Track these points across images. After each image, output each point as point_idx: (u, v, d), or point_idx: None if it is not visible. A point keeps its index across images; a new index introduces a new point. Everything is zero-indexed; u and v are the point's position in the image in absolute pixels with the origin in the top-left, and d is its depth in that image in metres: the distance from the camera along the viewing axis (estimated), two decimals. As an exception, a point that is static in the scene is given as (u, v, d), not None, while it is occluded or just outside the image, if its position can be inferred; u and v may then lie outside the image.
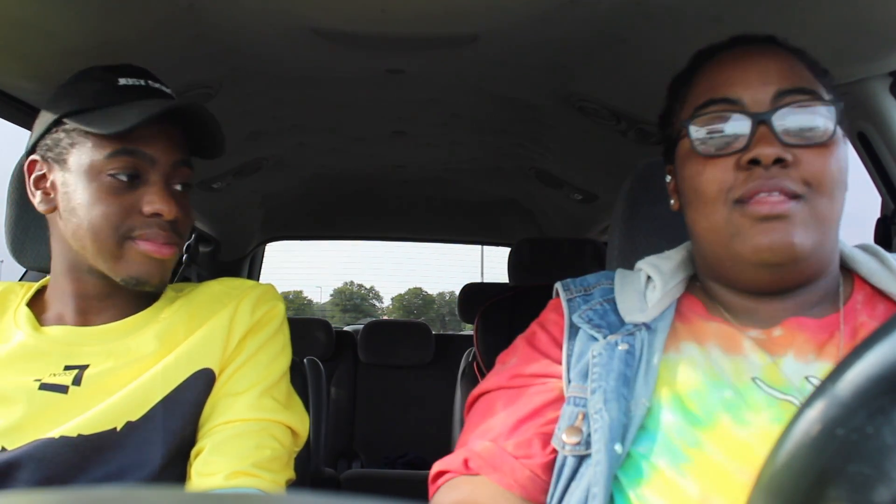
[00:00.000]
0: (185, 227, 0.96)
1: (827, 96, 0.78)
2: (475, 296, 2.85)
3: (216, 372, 0.92)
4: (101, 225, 0.90)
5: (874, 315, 0.78)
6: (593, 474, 0.72)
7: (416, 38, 1.34)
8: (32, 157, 0.97)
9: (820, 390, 0.37)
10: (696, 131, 0.78)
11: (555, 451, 0.79)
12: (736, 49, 0.82)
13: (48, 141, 0.95)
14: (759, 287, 0.80)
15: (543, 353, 0.86)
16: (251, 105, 1.74)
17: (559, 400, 0.82)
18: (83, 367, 0.90)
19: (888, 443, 0.33)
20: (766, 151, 0.73)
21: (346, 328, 3.86)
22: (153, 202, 0.90)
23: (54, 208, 0.95)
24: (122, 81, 0.95)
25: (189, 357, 0.91)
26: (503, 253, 2.70)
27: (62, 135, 0.93)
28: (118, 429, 0.86)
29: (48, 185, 0.95)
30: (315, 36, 1.33)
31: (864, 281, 0.82)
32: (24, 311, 0.96)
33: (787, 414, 0.71)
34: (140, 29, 1.21)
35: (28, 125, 1.39)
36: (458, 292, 3.00)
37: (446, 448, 0.87)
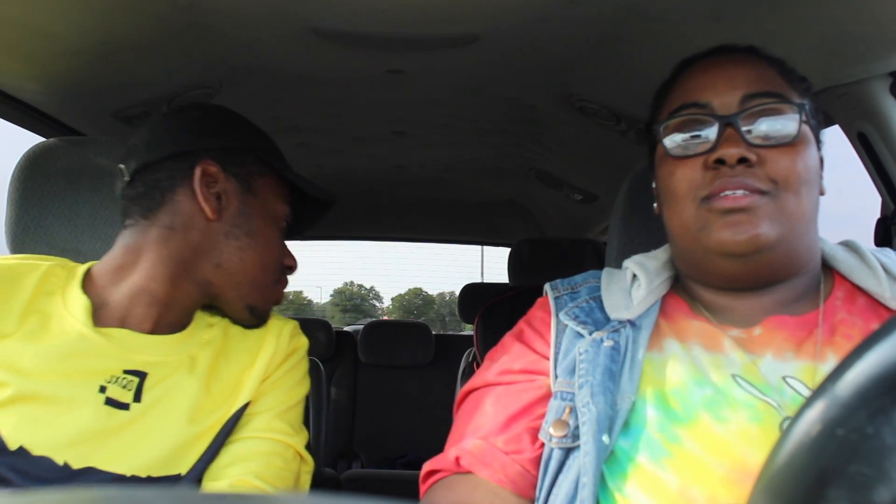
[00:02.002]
0: None
1: (796, 99, 0.80)
2: (475, 296, 2.85)
3: (252, 401, 0.96)
4: (268, 265, 0.99)
5: (853, 311, 0.80)
6: (582, 464, 0.73)
7: (416, 39, 1.34)
8: (210, 160, 0.96)
9: (820, 390, 0.37)
10: (668, 135, 0.82)
11: (543, 446, 0.80)
12: (710, 58, 0.85)
13: (234, 157, 0.98)
14: (732, 281, 0.81)
15: (531, 349, 0.87)
16: (251, 105, 1.74)
17: (547, 397, 0.83)
18: (143, 376, 0.88)
19: (888, 443, 0.33)
20: (731, 152, 0.76)
21: (346, 328, 3.86)
22: (291, 257, 1.04)
23: (214, 218, 0.95)
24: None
25: (237, 390, 0.94)
26: (503, 253, 2.70)
27: (251, 159, 1.01)
28: (183, 474, 0.86)
29: (219, 195, 0.96)
30: (315, 36, 1.33)
31: (844, 278, 0.84)
32: (82, 302, 0.90)
33: (765, 414, 0.73)
34: (140, 29, 1.21)
35: (28, 125, 1.40)
36: (458, 292, 3.00)
37: (446, 448, 0.88)
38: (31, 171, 1.12)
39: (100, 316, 0.91)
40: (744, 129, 0.77)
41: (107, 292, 0.93)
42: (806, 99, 0.82)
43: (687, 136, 0.81)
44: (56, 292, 0.92)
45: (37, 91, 1.30)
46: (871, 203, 1.23)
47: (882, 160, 1.16)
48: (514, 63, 1.49)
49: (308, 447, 0.98)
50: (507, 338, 0.92)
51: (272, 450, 0.92)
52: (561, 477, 0.76)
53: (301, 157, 2.28)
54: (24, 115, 1.35)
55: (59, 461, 0.80)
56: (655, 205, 0.91)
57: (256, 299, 0.98)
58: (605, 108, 1.60)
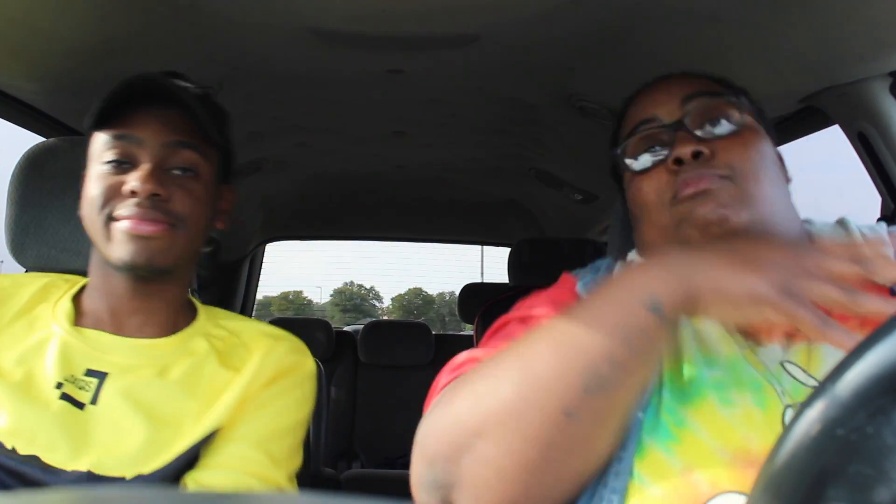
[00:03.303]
0: (183, 208, 0.93)
1: (732, 95, 0.86)
2: (475, 296, 2.85)
3: (225, 426, 0.90)
4: (91, 208, 0.92)
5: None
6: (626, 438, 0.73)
7: (416, 38, 1.34)
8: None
9: (820, 390, 0.37)
10: (629, 156, 0.89)
11: None
12: (651, 82, 0.92)
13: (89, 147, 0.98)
14: None
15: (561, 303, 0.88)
16: (251, 105, 1.74)
17: None
18: (102, 377, 0.89)
19: (888, 443, 0.33)
20: (684, 149, 0.80)
21: (346, 328, 3.86)
22: (130, 181, 0.90)
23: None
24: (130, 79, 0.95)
25: (211, 411, 0.90)
26: (503, 253, 2.70)
27: (89, 138, 0.97)
28: (127, 478, 0.84)
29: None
30: (315, 36, 1.33)
31: None
32: (65, 307, 0.95)
33: (769, 400, 0.73)
34: (140, 29, 1.21)
35: (28, 125, 1.40)
36: (458, 292, 3.00)
37: (446, 448, 0.88)
38: (31, 171, 1.12)
39: (80, 319, 0.95)
40: (692, 125, 0.82)
41: (85, 296, 0.98)
42: (743, 98, 0.87)
43: (645, 152, 0.86)
44: (50, 300, 0.96)
45: (37, 91, 1.30)
46: (871, 203, 1.23)
47: (882, 160, 1.16)
48: (515, 63, 1.49)
49: (307, 449, 0.96)
50: (513, 324, 0.93)
51: (243, 486, 0.87)
52: None
53: (301, 157, 2.28)
54: (24, 115, 1.35)
55: (8, 445, 0.83)
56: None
57: (110, 254, 0.91)
58: (605, 108, 1.60)
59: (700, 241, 0.80)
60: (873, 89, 1.11)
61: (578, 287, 0.91)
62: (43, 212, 1.10)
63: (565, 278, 0.96)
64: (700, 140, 0.81)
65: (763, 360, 0.77)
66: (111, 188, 0.91)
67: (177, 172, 0.93)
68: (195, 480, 0.86)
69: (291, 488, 0.93)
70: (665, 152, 0.83)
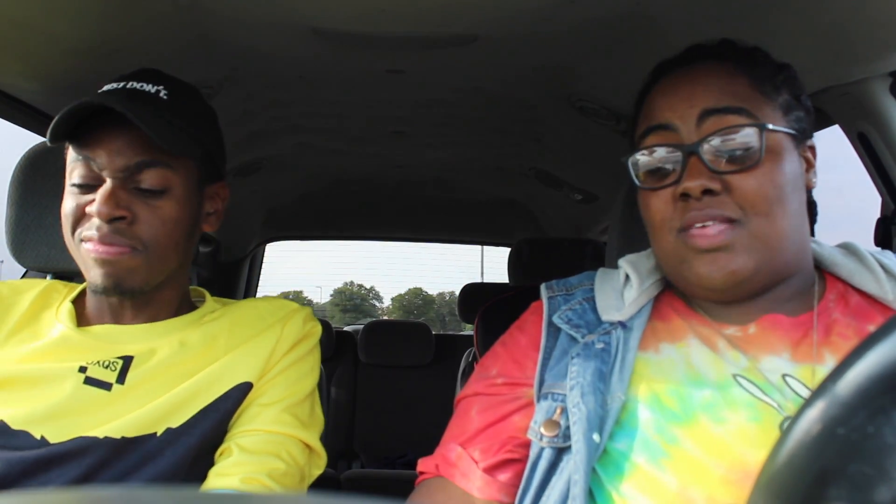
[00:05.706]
0: (149, 230, 0.91)
1: (765, 108, 0.78)
2: (475, 296, 2.85)
3: (254, 384, 0.95)
4: (65, 230, 0.94)
5: (847, 312, 0.80)
6: (573, 464, 0.74)
7: (416, 38, 1.34)
8: None
9: (820, 389, 0.37)
10: (636, 167, 0.83)
11: (514, 451, 0.83)
12: (675, 72, 0.84)
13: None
14: (718, 302, 0.83)
15: (517, 360, 0.89)
16: (251, 105, 1.74)
17: (527, 406, 0.85)
18: (128, 359, 0.91)
19: (889, 442, 0.33)
20: (694, 184, 0.76)
21: (346, 328, 3.86)
22: (92, 204, 0.89)
23: None
24: (105, 88, 0.95)
25: (233, 369, 0.94)
26: (503, 253, 2.70)
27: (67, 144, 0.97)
28: (158, 434, 0.88)
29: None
30: (315, 36, 1.33)
31: (836, 278, 0.84)
32: (68, 308, 0.97)
33: (764, 414, 0.73)
34: (140, 29, 1.21)
35: (28, 125, 1.40)
36: (458, 292, 3.00)
37: (446, 448, 0.89)
38: (31, 171, 1.12)
39: (83, 320, 0.97)
40: (707, 155, 0.76)
41: (87, 299, 1.00)
42: (781, 95, 0.81)
43: (652, 167, 0.81)
44: (53, 306, 0.98)
45: (37, 91, 1.30)
46: (871, 203, 1.23)
47: (882, 160, 1.16)
48: (514, 63, 1.49)
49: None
50: (497, 345, 0.94)
51: (280, 445, 0.92)
52: (555, 478, 0.77)
53: (301, 157, 2.28)
54: (24, 115, 1.35)
55: (37, 435, 0.85)
56: None
57: (86, 276, 0.94)
58: (605, 108, 1.60)
59: (699, 286, 0.79)
60: (873, 89, 1.11)
61: (554, 319, 0.88)
62: (43, 212, 1.10)
63: (536, 308, 0.94)
64: (714, 173, 0.76)
65: (764, 372, 0.76)
66: (78, 210, 0.92)
67: (144, 188, 0.92)
68: (240, 446, 0.90)
69: (319, 448, 0.97)
70: (675, 176, 0.78)
